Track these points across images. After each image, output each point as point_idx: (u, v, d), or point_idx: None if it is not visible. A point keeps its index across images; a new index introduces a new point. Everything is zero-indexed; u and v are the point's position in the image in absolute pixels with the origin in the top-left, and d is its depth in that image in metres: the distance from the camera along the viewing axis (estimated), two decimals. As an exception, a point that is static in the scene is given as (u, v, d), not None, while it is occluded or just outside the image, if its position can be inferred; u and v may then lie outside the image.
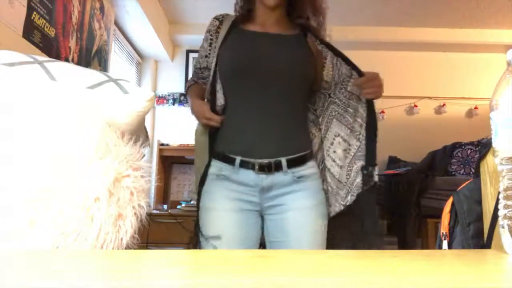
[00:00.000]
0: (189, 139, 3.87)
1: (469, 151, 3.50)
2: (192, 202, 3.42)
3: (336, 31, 4.28)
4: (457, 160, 3.52)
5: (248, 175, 1.10)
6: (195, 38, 3.85)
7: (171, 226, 3.13)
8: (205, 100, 1.24)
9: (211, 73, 1.20)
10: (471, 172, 3.35)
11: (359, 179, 1.16)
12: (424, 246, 2.86)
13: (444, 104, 3.96)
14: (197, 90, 1.29)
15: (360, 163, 1.17)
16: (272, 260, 0.50)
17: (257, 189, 1.11)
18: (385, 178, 3.10)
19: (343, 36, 3.82)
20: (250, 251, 0.91)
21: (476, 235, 0.93)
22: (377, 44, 3.91)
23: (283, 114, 1.13)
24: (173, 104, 3.90)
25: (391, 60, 4.05)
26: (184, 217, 3.16)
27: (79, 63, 2.22)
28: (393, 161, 3.77)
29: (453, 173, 3.48)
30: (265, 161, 1.09)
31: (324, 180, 1.19)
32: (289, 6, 1.23)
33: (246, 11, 1.27)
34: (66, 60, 2.05)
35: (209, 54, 1.27)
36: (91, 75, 0.89)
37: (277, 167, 1.10)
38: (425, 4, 3.40)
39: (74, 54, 2.16)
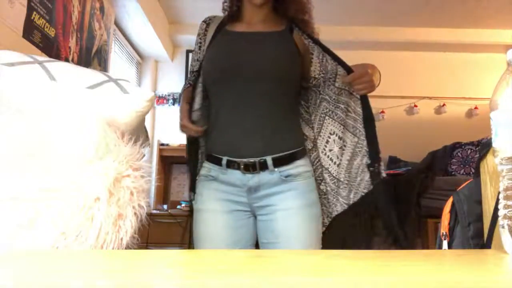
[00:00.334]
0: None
1: (469, 151, 3.50)
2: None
3: (336, 31, 4.28)
4: (457, 160, 3.52)
5: (235, 175, 1.09)
6: (195, 38, 3.85)
7: (171, 226, 3.13)
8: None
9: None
10: (471, 172, 3.35)
11: (367, 177, 1.15)
12: (424, 246, 2.86)
13: (444, 104, 3.96)
14: (188, 94, 1.29)
15: (364, 160, 1.16)
16: (271, 260, 0.50)
17: (244, 189, 1.10)
18: (385, 178, 3.10)
19: (343, 36, 3.82)
20: (250, 251, 0.91)
21: (476, 235, 0.93)
22: (377, 44, 3.91)
23: (269, 113, 1.12)
24: (173, 104, 3.90)
25: (391, 60, 4.04)
26: (184, 217, 3.16)
27: (79, 63, 2.22)
28: (393, 161, 3.77)
29: (453, 173, 3.48)
30: (251, 160, 1.08)
31: (322, 180, 1.18)
32: (275, 3, 1.22)
33: (234, 11, 1.27)
34: (66, 60, 2.05)
35: (199, 57, 1.29)
36: (91, 75, 0.89)
37: (263, 166, 1.08)
38: (425, 4, 3.40)
39: (74, 54, 2.16)
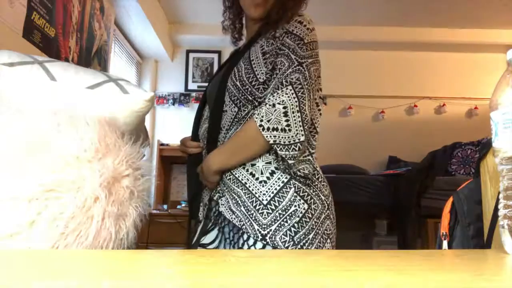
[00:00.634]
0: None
1: (469, 151, 3.51)
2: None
3: (336, 31, 4.29)
4: (457, 160, 3.53)
5: None
6: (195, 38, 3.86)
7: (171, 226, 3.13)
8: None
9: None
10: (471, 172, 3.35)
11: None
12: (424, 246, 2.86)
13: (444, 104, 3.97)
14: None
15: None
16: (271, 260, 0.50)
17: None
18: (385, 178, 3.10)
19: (343, 36, 3.83)
20: (250, 251, 0.91)
21: (476, 235, 0.93)
22: (377, 44, 3.91)
23: None
24: (173, 104, 3.90)
25: (391, 60, 4.05)
26: (184, 217, 3.16)
27: (79, 63, 2.22)
28: (393, 161, 3.77)
29: (453, 173, 3.48)
30: None
31: None
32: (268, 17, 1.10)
33: (238, 29, 1.22)
34: (66, 60, 2.05)
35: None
36: (91, 75, 0.89)
37: None
38: (425, 4, 3.40)
39: (74, 54, 2.16)
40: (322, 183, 1.01)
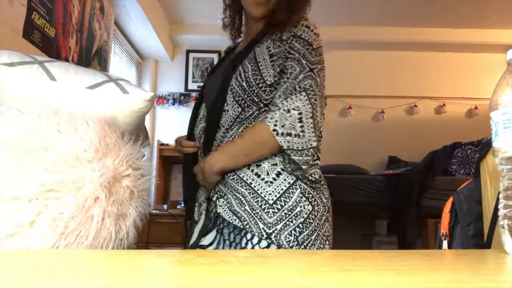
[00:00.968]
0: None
1: (469, 151, 3.50)
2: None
3: (336, 31, 4.29)
4: (457, 160, 3.53)
5: None
6: (195, 38, 3.86)
7: (171, 226, 3.13)
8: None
9: None
10: (471, 172, 3.35)
11: None
12: (424, 246, 2.86)
13: (444, 104, 3.97)
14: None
15: None
16: (272, 260, 0.50)
17: None
18: (385, 178, 3.10)
19: (343, 36, 3.83)
20: (250, 251, 0.91)
21: (476, 235, 0.93)
22: (377, 44, 3.91)
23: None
24: (173, 104, 3.90)
25: (391, 60, 4.05)
26: (184, 217, 3.16)
27: (79, 63, 2.22)
28: (393, 161, 3.77)
29: (453, 173, 3.48)
30: None
31: None
32: (270, 17, 1.09)
33: (237, 27, 1.21)
34: (66, 60, 2.05)
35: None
36: (91, 75, 0.89)
37: None
38: (425, 4, 3.40)
39: (74, 54, 2.16)
40: (324, 186, 1.02)
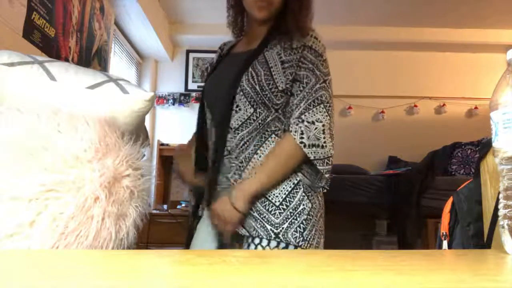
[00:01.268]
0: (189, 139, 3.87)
1: (469, 151, 3.50)
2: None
3: (336, 31, 4.29)
4: (457, 160, 3.53)
5: None
6: (195, 38, 3.86)
7: (171, 226, 3.13)
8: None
9: None
10: (471, 172, 3.35)
11: None
12: (424, 246, 2.86)
13: (444, 104, 3.96)
14: (191, 143, 1.24)
15: None
16: (272, 260, 0.50)
17: None
18: (385, 178, 3.10)
19: (343, 36, 3.83)
20: (250, 251, 0.91)
21: (476, 235, 0.93)
22: (377, 44, 3.91)
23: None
24: (173, 104, 3.90)
25: (391, 60, 4.05)
26: (184, 217, 3.16)
27: (79, 63, 2.22)
28: (393, 161, 3.77)
29: (453, 173, 3.48)
30: None
31: None
32: (275, 22, 1.13)
33: (240, 27, 1.23)
34: (66, 60, 2.05)
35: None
36: (91, 75, 0.89)
37: None
38: (425, 4, 3.40)
39: (74, 54, 2.16)
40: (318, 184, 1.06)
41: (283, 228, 0.96)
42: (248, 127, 1.02)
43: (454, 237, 1.01)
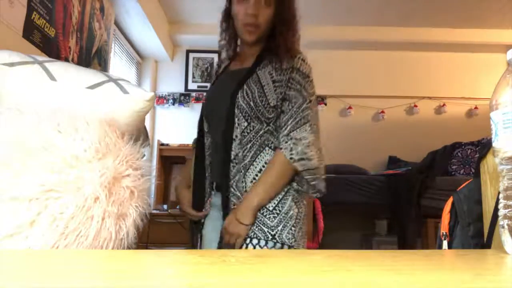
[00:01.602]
0: (189, 139, 3.88)
1: (469, 151, 3.50)
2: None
3: (336, 31, 4.28)
4: (457, 160, 3.52)
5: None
6: (195, 38, 3.86)
7: (171, 226, 3.13)
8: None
9: None
10: (471, 172, 3.35)
11: None
12: (424, 246, 2.86)
13: (444, 104, 3.96)
14: (190, 164, 1.33)
15: None
16: (272, 260, 0.50)
17: None
18: (385, 178, 3.10)
19: (343, 36, 3.83)
20: (250, 251, 0.91)
21: (476, 235, 0.93)
22: (377, 44, 3.91)
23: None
24: (173, 104, 3.90)
25: (391, 60, 4.05)
26: (184, 217, 3.16)
27: (79, 63, 2.22)
28: (393, 161, 3.77)
29: (453, 173, 3.48)
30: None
31: None
32: (266, 43, 1.23)
33: (233, 49, 1.32)
34: (66, 60, 2.05)
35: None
36: (91, 75, 0.89)
37: None
38: (425, 4, 3.40)
39: (74, 54, 2.16)
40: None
41: (278, 230, 1.09)
42: (243, 139, 1.14)
43: (454, 237, 1.01)
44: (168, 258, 0.51)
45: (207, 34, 3.69)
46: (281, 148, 1.11)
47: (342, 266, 0.45)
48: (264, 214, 1.10)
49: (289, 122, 1.12)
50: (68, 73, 0.87)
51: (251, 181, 1.12)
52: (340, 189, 2.94)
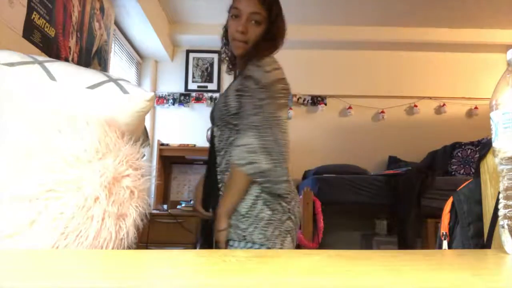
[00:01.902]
0: (189, 139, 3.89)
1: (469, 151, 3.50)
2: (192, 202, 3.43)
3: (336, 31, 4.28)
4: (457, 160, 3.52)
5: None
6: (195, 38, 3.86)
7: (171, 226, 3.13)
8: None
9: None
10: (471, 172, 3.35)
11: None
12: (424, 246, 2.86)
13: (444, 104, 3.96)
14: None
15: None
16: (272, 260, 0.50)
17: None
18: (385, 178, 3.10)
19: (343, 36, 3.82)
20: (250, 251, 0.91)
21: (476, 235, 0.93)
22: (377, 44, 3.91)
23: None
24: (173, 104, 3.89)
25: (391, 60, 4.05)
26: (184, 217, 3.16)
27: (79, 63, 2.22)
28: (393, 161, 3.77)
29: (453, 173, 3.48)
30: None
31: None
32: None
33: (232, 64, 1.44)
34: (66, 60, 2.05)
35: None
36: (91, 75, 0.89)
37: None
38: (425, 4, 3.40)
39: (74, 54, 2.16)
40: (284, 193, 1.21)
41: (249, 231, 1.17)
42: (219, 147, 1.28)
43: (454, 237, 1.01)
44: (168, 258, 0.51)
45: (207, 34, 3.69)
46: (231, 157, 1.20)
47: (342, 266, 0.45)
48: (238, 218, 1.18)
49: (239, 130, 1.21)
50: (68, 73, 0.87)
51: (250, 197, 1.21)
52: (340, 189, 2.93)
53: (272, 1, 1.31)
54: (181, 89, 3.95)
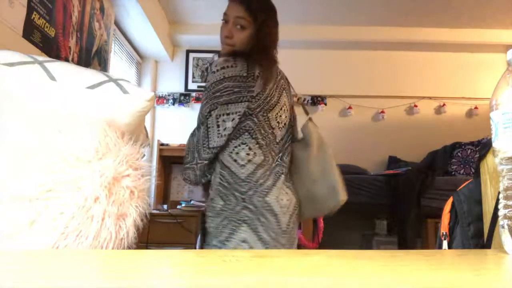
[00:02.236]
0: (189, 139, 3.87)
1: (469, 151, 3.50)
2: (192, 202, 3.42)
3: (336, 31, 4.27)
4: (457, 160, 3.52)
5: None
6: (195, 38, 3.85)
7: (171, 226, 3.12)
8: None
9: None
10: (471, 172, 3.35)
11: None
12: (424, 246, 2.86)
13: (444, 104, 3.96)
14: None
15: None
16: (272, 260, 0.50)
17: None
18: (385, 178, 3.10)
19: (343, 36, 3.82)
20: (250, 251, 0.91)
21: (476, 235, 0.93)
22: (377, 44, 3.91)
23: None
24: (173, 104, 3.89)
25: (391, 60, 4.05)
26: (184, 217, 3.16)
27: (79, 63, 2.22)
28: (393, 161, 3.77)
29: (453, 173, 3.48)
30: None
31: None
32: None
33: None
34: (66, 60, 2.05)
35: None
36: (91, 75, 0.89)
37: None
38: (425, 4, 3.40)
39: (74, 54, 2.16)
40: (240, 184, 1.28)
41: (207, 221, 1.30)
42: None
43: (454, 237, 1.01)
44: (168, 258, 0.51)
45: (207, 34, 3.68)
46: None
47: (342, 266, 0.45)
48: (208, 209, 1.32)
49: None
50: (68, 73, 0.87)
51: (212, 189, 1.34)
52: (340, 189, 2.93)
53: (258, 7, 1.35)
54: (181, 89, 3.95)
